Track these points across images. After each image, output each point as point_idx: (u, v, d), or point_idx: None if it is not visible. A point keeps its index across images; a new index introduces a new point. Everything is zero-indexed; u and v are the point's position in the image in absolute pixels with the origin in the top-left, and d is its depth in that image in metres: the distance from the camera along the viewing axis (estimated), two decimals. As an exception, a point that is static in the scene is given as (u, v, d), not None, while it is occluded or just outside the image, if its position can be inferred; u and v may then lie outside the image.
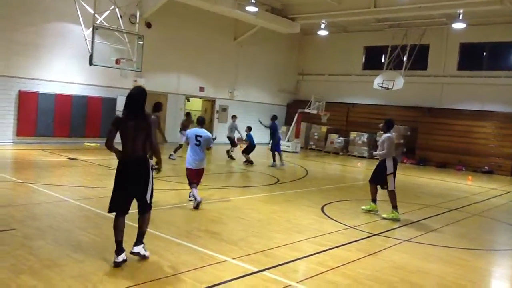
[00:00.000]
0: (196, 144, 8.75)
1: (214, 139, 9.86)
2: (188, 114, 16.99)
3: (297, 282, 5.17)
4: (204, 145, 8.78)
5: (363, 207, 9.58)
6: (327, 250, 6.49)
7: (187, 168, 8.89)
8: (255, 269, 5.41)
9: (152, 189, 5.60)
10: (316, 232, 7.43)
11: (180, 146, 16.02)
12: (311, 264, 5.92)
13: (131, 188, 5.47)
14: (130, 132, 5.42)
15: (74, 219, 7.41)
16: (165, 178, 11.31)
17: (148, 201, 5.57)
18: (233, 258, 5.76)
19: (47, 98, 17.02)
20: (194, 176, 8.85)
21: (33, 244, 5.80)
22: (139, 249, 5.52)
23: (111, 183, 11.02)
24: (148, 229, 6.63)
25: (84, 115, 18.14)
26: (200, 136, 8.73)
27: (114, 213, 5.52)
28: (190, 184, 8.87)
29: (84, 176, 11.38)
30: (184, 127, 16.37)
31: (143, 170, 5.49)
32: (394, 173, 9.18)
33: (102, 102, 18.64)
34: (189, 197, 9.08)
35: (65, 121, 17.57)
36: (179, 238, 6.45)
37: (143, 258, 5.50)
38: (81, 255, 5.50)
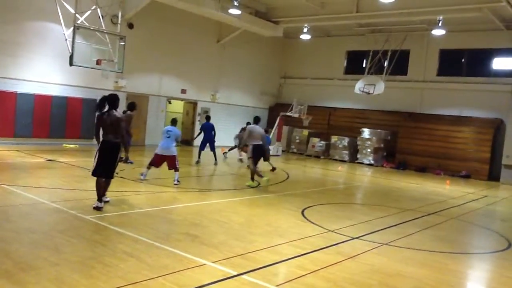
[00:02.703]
0: (167, 137, 11.40)
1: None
2: (248, 123, 17.79)
3: (277, 286, 5.17)
4: (173, 137, 11.38)
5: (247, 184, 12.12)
6: (307, 253, 6.51)
7: (155, 154, 11.48)
8: (235, 273, 5.39)
9: (115, 166, 8.20)
10: (296, 236, 7.45)
11: (235, 146, 18.17)
12: (291, 267, 5.93)
13: (105, 161, 8.05)
14: (107, 124, 7.99)
15: (51, 221, 7.29)
16: (145, 181, 11.23)
17: (111, 173, 8.19)
18: (213, 262, 5.73)
19: (26, 98, 16.75)
20: (159, 162, 11.48)
21: (9, 247, 5.69)
22: (104, 198, 8.27)
23: (90, 185, 10.97)
24: (126, 232, 6.63)
25: (63, 116, 17.90)
26: (170, 131, 11.46)
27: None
28: (150, 165, 11.54)
29: (63, 178, 11.21)
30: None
31: (114, 151, 8.08)
32: (255, 157, 12.02)
33: (82, 103, 18.43)
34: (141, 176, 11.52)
35: (44, 122, 17.32)
36: (158, 241, 6.40)
37: (106, 202, 8.35)
38: (58, 258, 5.41)
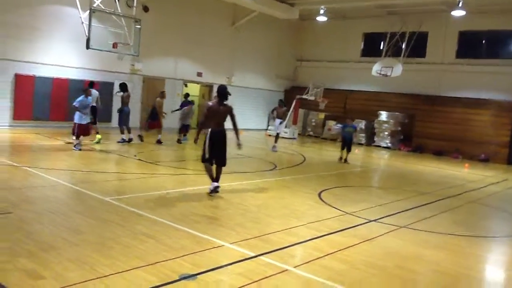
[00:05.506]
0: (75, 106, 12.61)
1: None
2: (281, 101, 18.18)
3: (294, 267, 5.19)
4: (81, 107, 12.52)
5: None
6: (323, 235, 6.51)
7: (79, 124, 12.50)
8: (252, 254, 5.43)
9: (204, 149, 8.45)
10: (313, 218, 7.45)
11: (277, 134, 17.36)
12: (308, 249, 5.95)
13: (218, 150, 8.57)
14: (219, 115, 8.47)
15: (70, 202, 7.41)
16: (163, 163, 11.32)
17: (225, 161, 8.68)
18: (231, 243, 5.77)
19: (44, 81, 16.90)
20: (84, 130, 12.66)
21: (30, 227, 5.80)
22: (214, 184, 8.53)
23: (107, 167, 11.11)
24: (144, 213, 6.71)
25: (81, 99, 18.02)
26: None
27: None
28: (78, 135, 12.50)
29: (81, 160, 11.35)
30: (278, 115, 16.86)
31: (225, 139, 8.62)
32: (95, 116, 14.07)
33: (99, 86, 18.47)
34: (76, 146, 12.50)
35: (61, 105, 17.47)
36: (176, 222, 6.46)
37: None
38: (78, 238, 5.50)
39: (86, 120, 12.68)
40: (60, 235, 5.56)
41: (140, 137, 15.40)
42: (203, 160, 8.52)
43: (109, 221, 6.32)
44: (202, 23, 22.43)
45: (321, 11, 22.88)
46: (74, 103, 12.75)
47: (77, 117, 12.56)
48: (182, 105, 16.81)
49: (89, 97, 12.91)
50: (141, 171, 10.60)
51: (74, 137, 12.69)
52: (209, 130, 8.45)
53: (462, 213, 9.21)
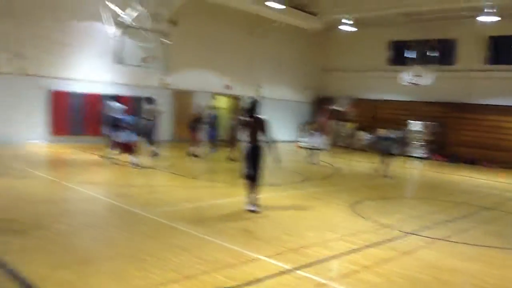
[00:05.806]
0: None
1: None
2: (315, 114, 18.08)
3: (330, 281, 5.13)
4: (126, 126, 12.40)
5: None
6: (359, 248, 6.42)
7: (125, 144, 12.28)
8: (288, 267, 5.38)
9: (243, 165, 8.29)
10: (347, 231, 7.36)
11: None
12: (344, 262, 5.87)
13: (253, 165, 8.29)
14: (252, 128, 8.28)
15: (106, 216, 7.53)
16: (196, 175, 11.40)
17: (257, 177, 8.27)
18: (266, 256, 5.74)
19: (78, 97, 17.33)
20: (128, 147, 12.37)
21: (67, 240, 5.91)
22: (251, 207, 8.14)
23: (141, 181, 11.23)
24: (178, 226, 6.75)
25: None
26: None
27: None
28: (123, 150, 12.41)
29: (116, 174, 11.54)
30: (314, 128, 16.82)
31: (260, 154, 8.35)
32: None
33: (130, 100, 18.83)
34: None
35: (95, 119, 17.83)
36: (210, 235, 6.47)
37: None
38: (114, 251, 5.58)
39: (131, 138, 12.46)
40: (97, 248, 5.66)
41: (194, 154, 15.51)
42: (245, 177, 8.29)
43: (143, 234, 6.39)
44: (228, 35, 22.59)
45: (346, 21, 22.74)
46: (122, 122, 12.75)
47: (124, 136, 12.37)
48: (209, 118, 16.93)
49: (133, 116, 12.76)
50: (173, 183, 10.71)
51: (115, 151, 12.65)
52: (246, 145, 8.30)
53: (500, 224, 8.95)
